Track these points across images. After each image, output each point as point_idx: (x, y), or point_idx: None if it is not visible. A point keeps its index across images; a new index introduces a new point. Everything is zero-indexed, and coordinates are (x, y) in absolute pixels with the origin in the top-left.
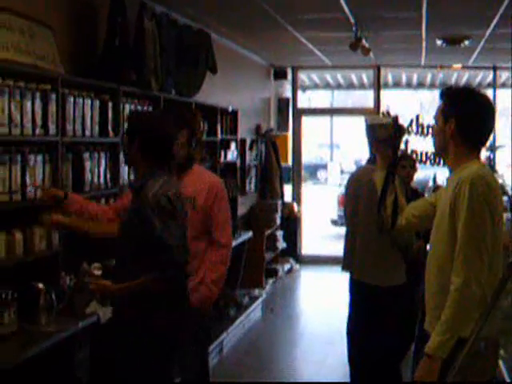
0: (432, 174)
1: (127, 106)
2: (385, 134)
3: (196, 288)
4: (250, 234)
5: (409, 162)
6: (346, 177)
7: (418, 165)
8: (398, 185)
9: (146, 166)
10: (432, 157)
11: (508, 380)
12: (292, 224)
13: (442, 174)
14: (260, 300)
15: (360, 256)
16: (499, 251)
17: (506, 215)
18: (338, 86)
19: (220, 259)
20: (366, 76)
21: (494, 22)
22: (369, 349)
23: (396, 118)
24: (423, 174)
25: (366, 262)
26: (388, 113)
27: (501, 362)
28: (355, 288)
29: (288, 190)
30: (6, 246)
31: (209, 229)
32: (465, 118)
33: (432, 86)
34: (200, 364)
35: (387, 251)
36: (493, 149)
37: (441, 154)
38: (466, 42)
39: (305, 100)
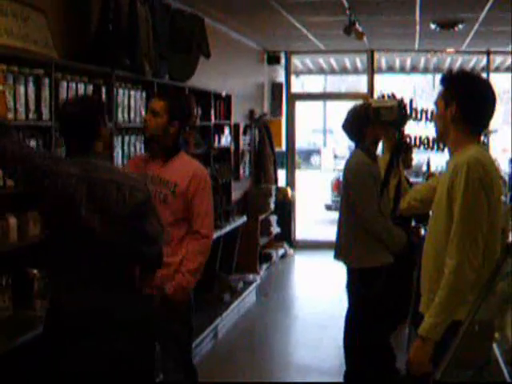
0: (426, 159)
1: (120, 91)
2: (390, 117)
3: (171, 276)
4: (244, 219)
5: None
6: (339, 162)
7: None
8: (402, 168)
9: None
10: (426, 141)
11: (501, 363)
12: (286, 209)
13: (435, 159)
14: (254, 285)
15: (340, 238)
16: (497, 235)
17: (502, 198)
18: (332, 71)
19: (199, 249)
20: (359, 61)
21: (488, 5)
22: (356, 332)
23: (401, 101)
24: (417, 158)
25: (343, 244)
26: (393, 95)
27: (495, 345)
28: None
29: (282, 175)
30: (1, 232)
31: (188, 217)
32: (466, 102)
33: (425, 70)
34: (183, 363)
35: (358, 233)
36: (486, 133)
37: (442, 139)
38: (460, 26)
39: (298, 85)
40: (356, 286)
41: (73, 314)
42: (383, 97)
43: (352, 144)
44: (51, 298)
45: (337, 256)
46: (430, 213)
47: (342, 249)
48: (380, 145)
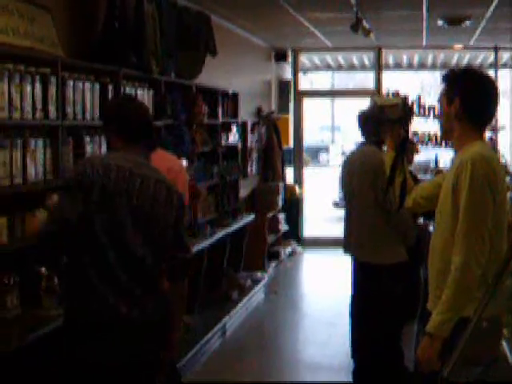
0: (434, 156)
1: (127, 90)
2: (395, 115)
3: None
4: (251, 216)
5: (410, 146)
6: None
7: (419, 147)
8: (406, 166)
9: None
10: (434, 138)
11: (510, 359)
12: (294, 206)
13: (443, 155)
14: (262, 283)
15: (355, 234)
16: (502, 231)
17: (509, 194)
18: (339, 68)
19: None
20: (366, 57)
21: (496, 1)
22: (368, 328)
23: (406, 98)
24: (425, 155)
25: (359, 240)
26: (397, 93)
27: (504, 342)
28: (353, 266)
29: (290, 172)
30: (8, 231)
31: None
32: (468, 98)
33: (433, 66)
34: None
35: (380, 229)
36: (494, 129)
37: (447, 137)
38: (467, 22)
39: (306, 82)
40: (373, 283)
41: (99, 314)
42: (388, 95)
43: (359, 141)
44: (72, 297)
45: (345, 248)
46: (437, 210)
47: (358, 246)
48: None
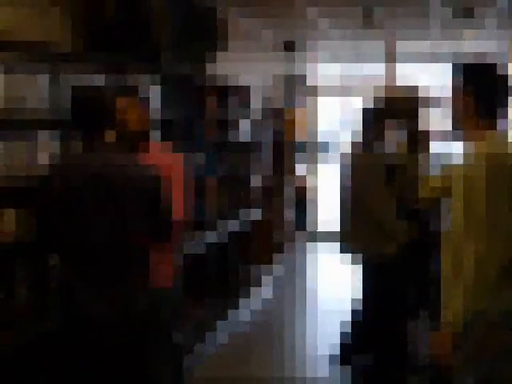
0: (443, 149)
1: (137, 82)
2: (405, 107)
3: None
4: (261, 209)
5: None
6: None
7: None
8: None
9: None
10: (444, 131)
11: None
12: (304, 200)
13: (453, 149)
14: (271, 276)
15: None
16: None
17: None
18: (349, 61)
19: None
20: (377, 50)
21: None
22: (375, 322)
23: (416, 90)
24: (434, 147)
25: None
26: (407, 85)
27: None
28: None
29: (301, 165)
30: (17, 222)
31: None
32: (482, 90)
33: (445, 58)
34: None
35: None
36: (507, 122)
37: (459, 129)
38: (481, 12)
39: (316, 75)
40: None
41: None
42: (397, 87)
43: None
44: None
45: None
46: (451, 203)
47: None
48: (392, 135)
